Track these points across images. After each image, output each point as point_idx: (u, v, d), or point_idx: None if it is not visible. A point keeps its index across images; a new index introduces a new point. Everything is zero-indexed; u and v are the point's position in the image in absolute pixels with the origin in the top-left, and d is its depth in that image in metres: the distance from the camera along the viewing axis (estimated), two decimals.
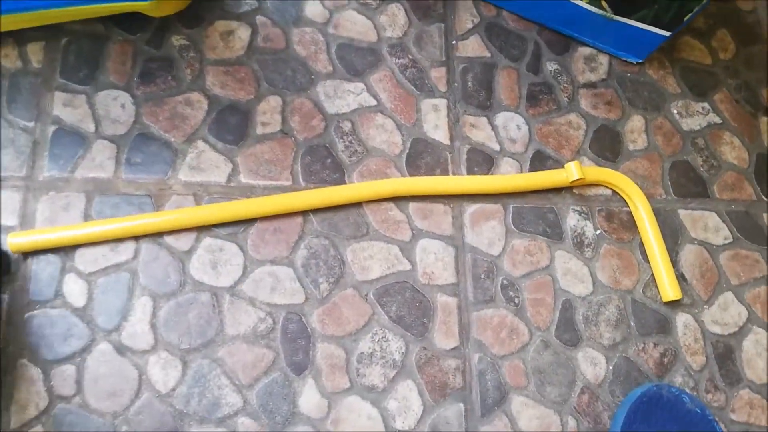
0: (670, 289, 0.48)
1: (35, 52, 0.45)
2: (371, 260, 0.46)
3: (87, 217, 0.43)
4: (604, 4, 0.49)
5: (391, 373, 0.45)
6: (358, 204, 0.47)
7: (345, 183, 0.47)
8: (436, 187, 0.47)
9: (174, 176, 0.45)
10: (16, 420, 0.39)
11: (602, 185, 0.51)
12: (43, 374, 0.40)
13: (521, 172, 0.50)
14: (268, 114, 0.48)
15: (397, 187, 0.46)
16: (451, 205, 0.49)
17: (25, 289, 0.41)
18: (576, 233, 0.50)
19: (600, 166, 0.52)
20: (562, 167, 0.51)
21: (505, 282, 0.48)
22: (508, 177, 0.49)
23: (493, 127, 0.51)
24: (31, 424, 0.39)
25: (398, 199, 0.48)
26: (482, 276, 0.48)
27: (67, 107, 0.45)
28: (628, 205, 0.51)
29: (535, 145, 0.51)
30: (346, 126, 0.49)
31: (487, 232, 0.49)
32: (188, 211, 0.44)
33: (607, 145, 0.52)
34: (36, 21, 0.43)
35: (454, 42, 0.52)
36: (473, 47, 0.52)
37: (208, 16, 0.49)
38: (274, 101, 0.48)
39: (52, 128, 0.44)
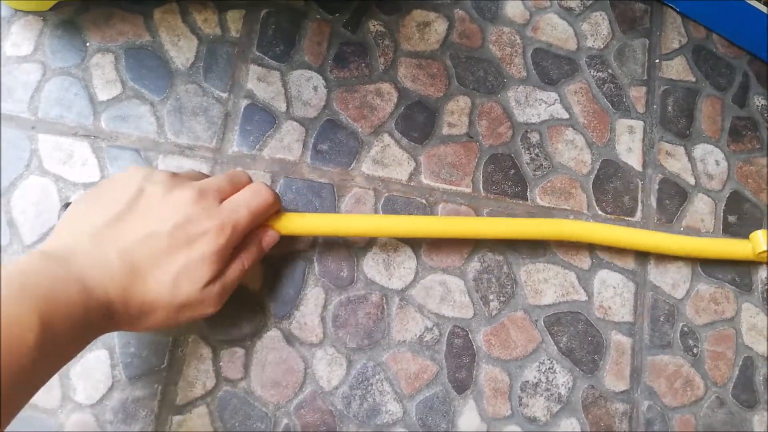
0: None
1: (234, 21, 0.44)
2: (545, 284, 0.44)
3: None
4: None
5: (555, 407, 0.42)
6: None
7: (526, 197, 0.45)
8: (619, 238, 0.43)
9: (357, 168, 0.43)
10: (182, 397, 0.39)
11: None
12: (212, 354, 0.40)
13: (715, 211, 0.46)
14: (455, 115, 0.45)
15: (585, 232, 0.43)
16: None
17: None
18: (766, 286, 0.46)
19: None
20: (760, 213, 0.46)
21: (685, 329, 0.44)
22: (688, 239, 0.43)
23: (690, 159, 0.47)
24: (195, 403, 0.39)
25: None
26: (661, 319, 0.44)
27: (261, 82, 0.43)
28: None
29: (733, 185, 0.47)
30: (534, 137, 0.46)
31: (672, 272, 0.45)
32: (375, 219, 0.40)
33: None
34: None
35: (657, 61, 0.48)
36: (677, 69, 0.48)
37: (406, 4, 0.46)
38: (463, 102, 0.45)
39: (244, 102, 0.43)
